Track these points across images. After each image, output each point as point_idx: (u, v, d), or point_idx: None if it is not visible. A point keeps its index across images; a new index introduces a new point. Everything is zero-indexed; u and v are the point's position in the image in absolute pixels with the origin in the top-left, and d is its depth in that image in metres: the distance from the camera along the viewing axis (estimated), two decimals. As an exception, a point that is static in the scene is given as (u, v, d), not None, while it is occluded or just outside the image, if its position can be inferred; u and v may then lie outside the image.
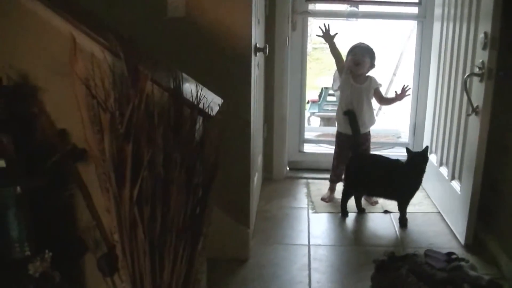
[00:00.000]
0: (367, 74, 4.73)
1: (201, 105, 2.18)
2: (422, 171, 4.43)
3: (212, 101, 2.40)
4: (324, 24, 4.79)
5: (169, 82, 2.12)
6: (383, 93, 5.00)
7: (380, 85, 4.77)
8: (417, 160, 4.43)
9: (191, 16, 3.36)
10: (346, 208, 4.61)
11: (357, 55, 4.68)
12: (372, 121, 4.81)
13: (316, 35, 4.91)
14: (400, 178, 4.44)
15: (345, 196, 4.61)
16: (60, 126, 2.33)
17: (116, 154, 2.01)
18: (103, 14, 3.12)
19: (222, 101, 2.70)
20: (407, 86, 4.77)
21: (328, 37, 4.78)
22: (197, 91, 2.17)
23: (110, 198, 2.07)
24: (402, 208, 4.45)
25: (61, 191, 2.36)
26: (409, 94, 4.80)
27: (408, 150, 4.49)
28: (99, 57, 2.17)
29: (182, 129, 2.07)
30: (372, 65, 4.72)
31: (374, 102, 4.84)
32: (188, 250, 2.13)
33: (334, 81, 4.99)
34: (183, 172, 2.01)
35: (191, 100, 2.16)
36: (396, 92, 4.79)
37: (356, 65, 4.68)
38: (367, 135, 4.82)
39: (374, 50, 4.76)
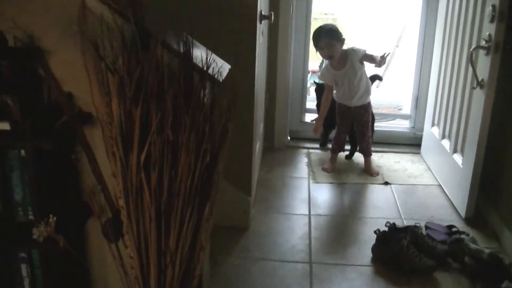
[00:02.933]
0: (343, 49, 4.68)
1: (210, 71, 2.16)
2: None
3: (221, 67, 2.38)
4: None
5: (179, 47, 2.09)
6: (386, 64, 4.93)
7: (364, 50, 4.70)
8: None
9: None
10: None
11: (325, 49, 4.63)
12: (369, 91, 4.79)
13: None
14: None
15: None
16: (66, 89, 2.31)
17: (124, 118, 1.99)
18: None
19: (231, 67, 2.68)
20: (386, 53, 4.68)
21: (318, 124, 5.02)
22: (206, 56, 2.15)
23: (116, 163, 2.05)
24: None
25: (66, 154, 2.34)
26: (388, 54, 4.71)
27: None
28: (108, 19, 2.13)
29: (191, 93, 2.04)
30: (342, 42, 4.65)
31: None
32: (194, 216, 2.12)
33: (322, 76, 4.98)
34: (192, 137, 1.99)
35: (200, 65, 2.14)
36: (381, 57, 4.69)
37: (330, 58, 4.67)
38: (367, 106, 4.80)
39: (335, 27, 4.74)
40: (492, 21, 3.60)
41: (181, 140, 1.99)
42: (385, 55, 4.60)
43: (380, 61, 4.61)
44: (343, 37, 4.66)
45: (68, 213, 2.35)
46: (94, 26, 2.08)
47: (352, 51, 4.68)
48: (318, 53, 4.73)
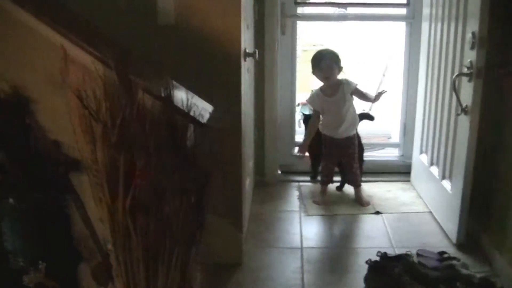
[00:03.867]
0: (337, 78, 4.77)
1: (192, 113, 2.20)
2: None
3: (202, 108, 2.42)
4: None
5: (160, 91, 2.13)
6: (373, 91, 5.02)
7: (356, 84, 4.79)
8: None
9: (181, 24, 3.38)
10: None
11: (325, 69, 4.72)
12: (355, 124, 4.86)
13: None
14: None
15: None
16: (53, 137, 2.34)
17: (109, 163, 2.03)
18: (93, 22, 3.13)
19: (213, 108, 2.72)
20: (383, 90, 4.81)
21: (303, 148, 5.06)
22: (187, 99, 2.19)
23: (103, 208, 2.08)
24: None
25: (55, 201, 2.37)
26: (385, 92, 4.83)
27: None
28: (90, 68, 2.18)
29: (174, 137, 2.08)
30: (340, 68, 4.76)
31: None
32: (182, 257, 2.15)
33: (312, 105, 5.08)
34: (176, 180, 2.03)
35: (182, 108, 2.18)
36: (377, 93, 4.81)
37: (326, 79, 4.74)
38: (352, 138, 4.85)
39: (336, 52, 4.82)
40: (472, 48, 3.65)
41: (165, 184, 2.03)
42: (382, 92, 4.75)
43: (376, 97, 4.75)
44: (342, 64, 4.76)
45: (59, 259, 2.38)
46: (77, 76, 2.13)
47: (346, 81, 4.76)
48: (314, 73, 4.83)
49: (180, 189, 2.05)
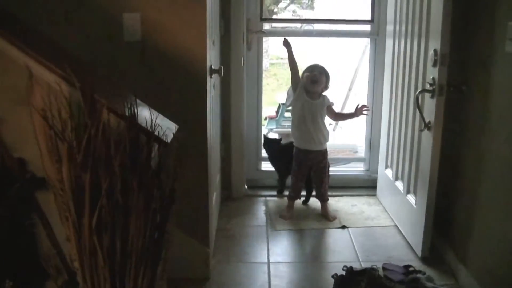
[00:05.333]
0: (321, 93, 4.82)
1: (156, 133, 2.22)
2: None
3: (167, 128, 2.44)
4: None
5: (125, 110, 2.15)
6: (340, 108, 5.11)
7: (333, 103, 4.87)
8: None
9: (147, 40, 3.40)
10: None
11: (315, 72, 4.77)
12: (327, 138, 4.89)
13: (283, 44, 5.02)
14: None
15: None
16: (18, 155, 2.35)
17: (74, 183, 2.04)
18: (60, 39, 3.14)
19: (177, 127, 2.74)
20: (367, 106, 4.90)
21: (288, 45, 4.92)
22: (151, 119, 2.21)
23: (69, 227, 2.09)
24: None
25: (21, 220, 2.37)
26: (366, 114, 4.93)
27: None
28: (55, 88, 2.19)
29: (138, 156, 2.10)
30: (326, 86, 4.82)
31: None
32: (148, 275, 2.16)
33: (288, 97, 5.09)
34: (141, 199, 2.05)
35: (146, 127, 2.20)
36: (357, 107, 4.88)
37: (312, 82, 4.77)
38: (324, 152, 4.90)
39: (329, 72, 4.86)
40: (434, 65, 3.72)
41: (130, 203, 2.04)
42: (364, 109, 4.91)
43: (356, 111, 4.90)
44: (329, 84, 4.87)
45: (26, 277, 2.38)
46: (42, 95, 2.14)
47: (326, 97, 4.87)
48: (303, 79, 4.87)
49: (145, 208, 2.07)
